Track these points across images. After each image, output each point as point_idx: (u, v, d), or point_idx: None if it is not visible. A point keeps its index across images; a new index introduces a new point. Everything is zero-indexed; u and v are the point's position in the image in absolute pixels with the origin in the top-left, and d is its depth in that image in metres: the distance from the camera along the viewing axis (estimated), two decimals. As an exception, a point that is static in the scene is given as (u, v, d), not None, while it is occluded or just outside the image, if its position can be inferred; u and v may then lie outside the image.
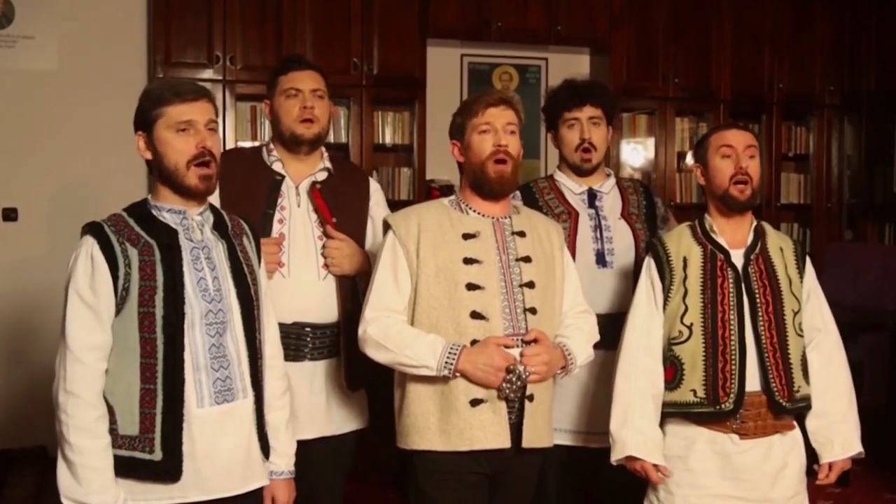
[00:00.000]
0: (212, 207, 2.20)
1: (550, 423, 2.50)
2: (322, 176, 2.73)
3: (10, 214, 4.68)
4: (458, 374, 2.31)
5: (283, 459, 2.27)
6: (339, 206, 2.70)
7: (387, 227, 2.46)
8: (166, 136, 2.07)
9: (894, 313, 4.42)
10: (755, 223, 2.55)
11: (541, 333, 2.37)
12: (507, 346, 2.33)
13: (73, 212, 4.62)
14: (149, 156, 2.11)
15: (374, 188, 2.88)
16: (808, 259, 2.58)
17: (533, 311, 2.39)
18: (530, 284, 2.40)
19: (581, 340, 2.50)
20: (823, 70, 5.67)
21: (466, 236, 2.40)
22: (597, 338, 2.59)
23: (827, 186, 5.76)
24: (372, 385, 2.75)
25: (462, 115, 2.47)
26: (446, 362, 2.29)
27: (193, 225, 2.12)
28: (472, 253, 2.38)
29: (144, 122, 2.10)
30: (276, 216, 2.62)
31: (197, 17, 4.68)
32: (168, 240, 2.07)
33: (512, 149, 2.41)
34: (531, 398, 2.37)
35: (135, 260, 2.02)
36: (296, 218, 2.64)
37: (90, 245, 2.02)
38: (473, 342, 2.33)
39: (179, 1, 4.65)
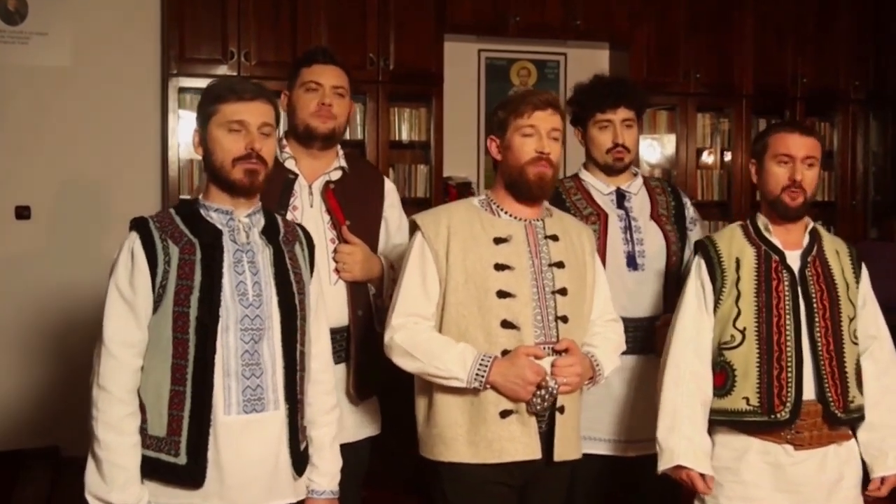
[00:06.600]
0: (265, 211, 2.14)
1: (579, 435, 2.43)
2: (336, 175, 2.66)
3: (24, 212, 4.64)
4: (488, 387, 2.24)
5: (326, 478, 2.20)
6: (353, 208, 2.62)
7: (414, 227, 2.37)
8: (217, 133, 2.04)
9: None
10: (811, 225, 2.45)
11: (572, 343, 2.31)
12: (537, 357, 2.26)
13: (86, 209, 4.65)
14: (201, 152, 2.08)
15: (390, 188, 2.80)
16: (863, 264, 2.48)
17: (564, 319, 2.33)
18: (563, 291, 2.34)
19: (609, 350, 2.44)
20: (848, 64, 5.54)
21: (498, 240, 2.31)
22: (623, 347, 2.52)
23: (852, 183, 5.64)
24: (384, 391, 2.68)
25: (506, 111, 2.36)
26: (477, 374, 2.22)
27: (240, 227, 2.07)
28: (503, 258, 2.30)
29: (201, 117, 2.08)
30: (288, 216, 2.51)
31: (211, 13, 4.62)
32: (211, 240, 2.02)
33: (553, 156, 2.33)
34: (562, 410, 2.31)
35: (175, 258, 1.98)
36: (308, 218, 2.54)
37: (133, 240, 2.01)
38: (504, 352, 2.26)
39: (193, -4, 4.61)
